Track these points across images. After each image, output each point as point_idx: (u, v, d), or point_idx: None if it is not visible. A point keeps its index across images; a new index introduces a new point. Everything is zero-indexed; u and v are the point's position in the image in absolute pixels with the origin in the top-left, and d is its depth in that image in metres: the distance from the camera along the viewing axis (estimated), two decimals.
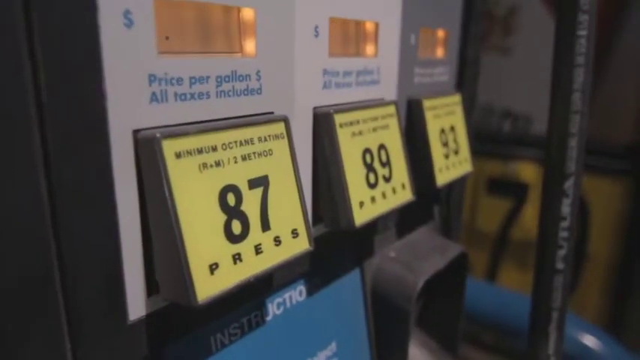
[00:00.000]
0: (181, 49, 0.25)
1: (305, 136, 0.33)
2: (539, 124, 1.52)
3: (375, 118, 0.37)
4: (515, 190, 1.52)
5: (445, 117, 0.46)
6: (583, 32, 0.42)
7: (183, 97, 0.25)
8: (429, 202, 0.53)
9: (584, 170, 0.46)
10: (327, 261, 0.38)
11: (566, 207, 0.46)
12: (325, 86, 0.34)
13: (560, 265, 0.47)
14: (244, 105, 0.28)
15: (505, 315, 0.95)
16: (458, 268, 0.50)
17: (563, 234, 0.47)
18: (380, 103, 0.38)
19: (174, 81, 0.24)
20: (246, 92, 0.28)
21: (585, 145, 0.45)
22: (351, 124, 0.34)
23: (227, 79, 0.27)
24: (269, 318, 0.33)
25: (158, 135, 0.23)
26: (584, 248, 1.43)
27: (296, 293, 0.35)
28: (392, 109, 0.39)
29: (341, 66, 0.35)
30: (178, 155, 0.23)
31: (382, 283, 0.43)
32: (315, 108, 0.33)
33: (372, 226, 0.43)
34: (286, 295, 0.34)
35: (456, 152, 0.47)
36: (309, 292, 0.36)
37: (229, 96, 0.27)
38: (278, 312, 0.33)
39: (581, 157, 0.45)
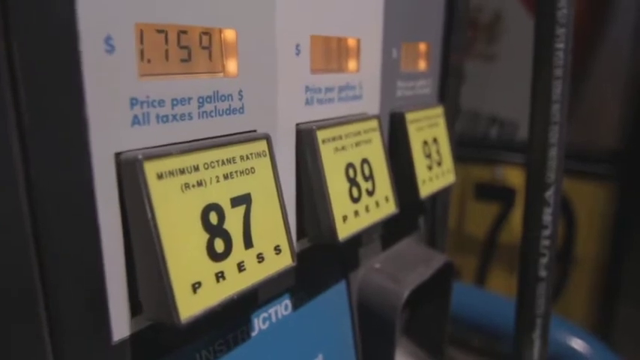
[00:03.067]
0: (163, 71, 0.26)
1: (288, 152, 0.33)
2: (525, 130, 1.54)
3: (358, 133, 0.37)
4: (503, 195, 1.54)
5: (428, 129, 0.47)
6: (560, 45, 0.44)
7: (165, 119, 0.25)
8: (414, 214, 0.53)
9: (569, 175, 0.47)
10: (312, 275, 0.38)
11: (547, 215, 0.47)
12: (307, 103, 0.34)
13: (542, 273, 0.48)
14: (227, 124, 0.28)
15: (493, 319, 0.96)
16: (443, 277, 0.51)
17: (545, 242, 0.48)
18: (362, 118, 0.38)
19: (155, 103, 0.25)
20: (228, 112, 0.28)
21: (565, 154, 0.46)
22: (334, 139, 0.35)
23: (209, 99, 0.27)
24: (255, 333, 0.33)
25: (140, 157, 0.23)
26: (571, 252, 1.45)
27: (281, 307, 0.35)
28: (374, 123, 0.39)
29: (323, 82, 0.35)
30: (160, 176, 0.24)
31: (368, 295, 0.43)
32: (297, 124, 0.34)
33: (357, 239, 0.43)
34: (272, 310, 0.35)
35: (439, 163, 0.48)
36: (295, 306, 0.37)
37: (211, 116, 0.27)
38: (264, 327, 0.34)
39: (561, 167, 0.46)
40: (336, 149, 0.35)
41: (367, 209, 0.37)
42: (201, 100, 0.27)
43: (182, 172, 0.25)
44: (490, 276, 1.56)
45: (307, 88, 0.34)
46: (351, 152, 0.36)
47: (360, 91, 0.39)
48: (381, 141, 0.39)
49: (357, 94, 0.39)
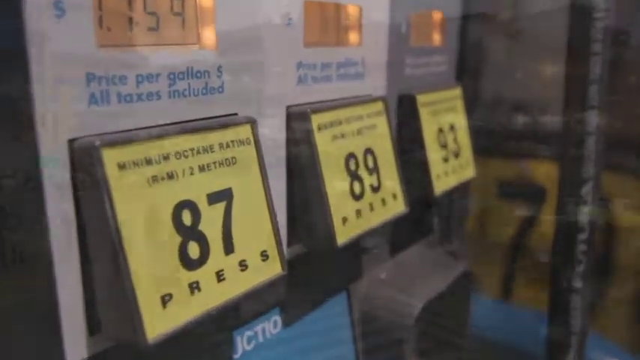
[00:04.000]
0: (126, 42, 0.25)
1: (277, 140, 0.33)
2: (556, 118, 1.53)
3: (360, 118, 0.37)
4: (531, 194, 1.54)
5: (443, 114, 0.46)
6: (600, 14, 0.43)
7: (128, 99, 0.25)
8: (426, 214, 0.53)
9: (609, 169, 0.46)
10: (306, 286, 0.38)
11: (583, 216, 0.46)
12: (300, 81, 0.34)
13: (578, 284, 0.48)
14: (203, 106, 0.28)
15: (520, 337, 0.96)
16: (461, 289, 0.50)
17: (582, 247, 0.47)
18: (365, 100, 0.38)
19: (117, 79, 0.24)
20: (205, 91, 0.28)
21: (605, 145, 0.45)
22: (332, 125, 0.34)
23: (182, 76, 0.27)
24: (237, 356, 0.33)
25: (97, 143, 0.22)
26: (611, 259, 1.45)
27: (270, 325, 0.35)
28: (379, 106, 0.39)
29: (318, 57, 0.35)
30: (122, 166, 0.23)
31: (373, 311, 0.43)
32: (288, 107, 0.33)
33: (359, 244, 0.43)
34: (258, 328, 0.34)
35: (457, 155, 0.47)
36: (286, 323, 0.36)
37: (185, 96, 0.27)
38: (248, 348, 0.33)
39: (600, 159, 0.45)
40: (335, 137, 0.34)
41: (371, 208, 0.36)
42: (172, 77, 0.26)
43: (149, 162, 0.24)
44: (516, 287, 1.55)
45: (300, 64, 0.33)
46: (352, 141, 0.36)
47: (362, 68, 0.39)
48: (387, 127, 0.39)
49: (358, 72, 0.38)
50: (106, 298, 0.24)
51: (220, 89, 0.28)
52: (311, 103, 0.35)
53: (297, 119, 0.33)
